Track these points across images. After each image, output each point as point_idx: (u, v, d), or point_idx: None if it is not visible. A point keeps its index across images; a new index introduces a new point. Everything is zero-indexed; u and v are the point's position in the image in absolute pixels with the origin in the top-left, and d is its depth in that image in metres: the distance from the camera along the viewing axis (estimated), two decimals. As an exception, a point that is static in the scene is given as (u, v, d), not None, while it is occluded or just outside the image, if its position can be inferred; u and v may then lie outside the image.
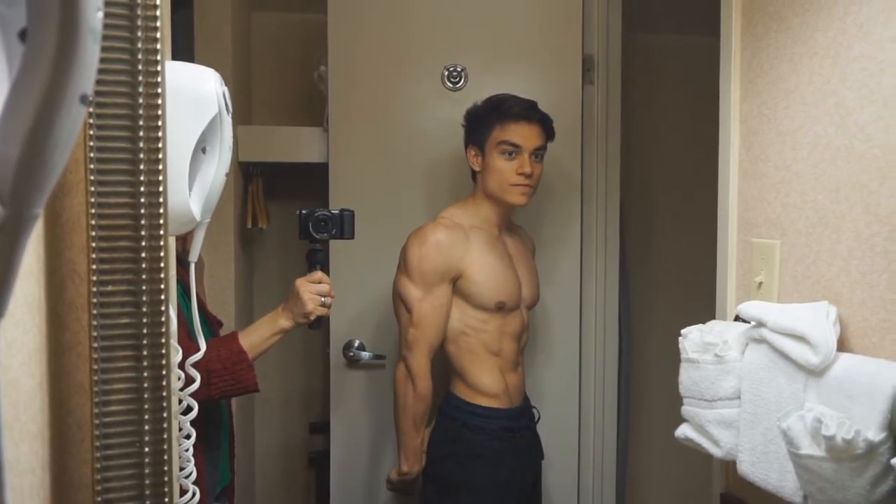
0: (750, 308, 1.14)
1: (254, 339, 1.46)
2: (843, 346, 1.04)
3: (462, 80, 2.14)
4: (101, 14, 0.39)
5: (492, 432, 1.81)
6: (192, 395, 0.92)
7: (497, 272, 1.81)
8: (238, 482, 1.66)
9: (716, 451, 1.20)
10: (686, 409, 1.24)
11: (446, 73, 2.14)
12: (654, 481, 2.72)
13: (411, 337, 1.77)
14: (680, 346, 1.24)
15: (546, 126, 1.83)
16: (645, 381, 2.65)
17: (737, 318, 1.21)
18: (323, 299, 1.49)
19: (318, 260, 1.53)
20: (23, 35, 0.37)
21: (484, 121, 1.83)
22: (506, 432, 1.82)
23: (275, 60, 2.48)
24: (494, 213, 1.86)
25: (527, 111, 1.80)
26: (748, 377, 1.13)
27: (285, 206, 2.45)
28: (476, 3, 2.16)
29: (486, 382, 1.81)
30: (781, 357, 1.06)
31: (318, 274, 1.51)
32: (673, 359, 1.26)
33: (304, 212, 1.53)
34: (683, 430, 1.26)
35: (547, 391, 2.19)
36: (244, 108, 2.34)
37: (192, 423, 0.93)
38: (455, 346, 1.81)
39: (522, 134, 1.78)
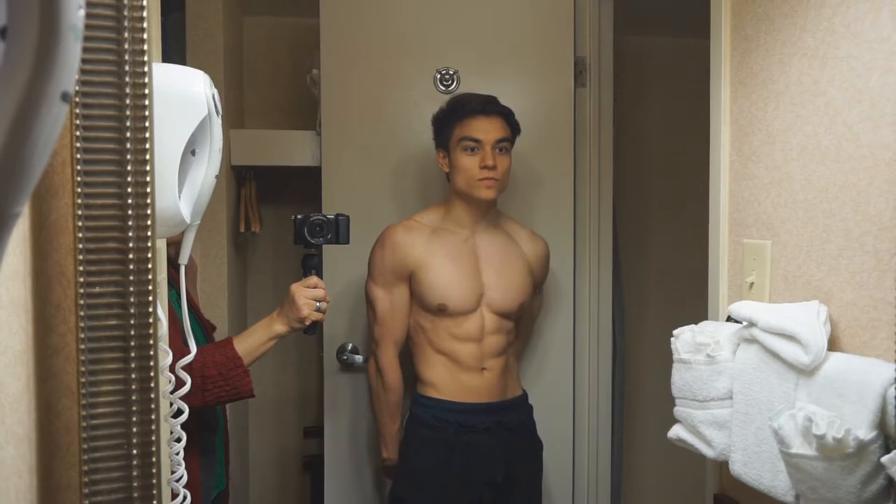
0: (741, 308, 1.14)
1: (249, 344, 1.46)
2: (833, 345, 1.04)
3: (454, 83, 2.14)
4: (82, 12, 0.39)
5: (433, 422, 1.83)
6: (187, 400, 0.92)
7: (446, 274, 1.82)
8: (233, 487, 1.66)
9: (708, 452, 1.20)
10: (678, 410, 1.24)
11: (439, 76, 2.14)
12: (648, 482, 2.72)
13: (377, 334, 1.88)
14: (672, 346, 1.24)
15: (507, 119, 1.84)
16: (638, 382, 2.65)
17: (728, 319, 1.21)
18: (318, 304, 1.49)
19: (313, 265, 1.54)
20: (3, 33, 0.37)
21: (446, 122, 1.85)
22: (454, 425, 1.83)
23: (267, 64, 2.48)
24: (467, 213, 1.87)
25: (483, 105, 1.82)
26: (740, 377, 1.13)
27: (278, 210, 2.45)
28: (468, 5, 2.16)
29: (429, 376, 1.86)
30: (773, 357, 1.06)
31: (314, 279, 1.51)
32: (666, 360, 1.26)
33: (299, 217, 1.54)
34: (676, 431, 1.26)
35: (541, 391, 2.19)
36: (237, 112, 2.34)
37: (187, 429, 0.92)
38: (410, 342, 1.90)
39: (481, 128, 1.80)
